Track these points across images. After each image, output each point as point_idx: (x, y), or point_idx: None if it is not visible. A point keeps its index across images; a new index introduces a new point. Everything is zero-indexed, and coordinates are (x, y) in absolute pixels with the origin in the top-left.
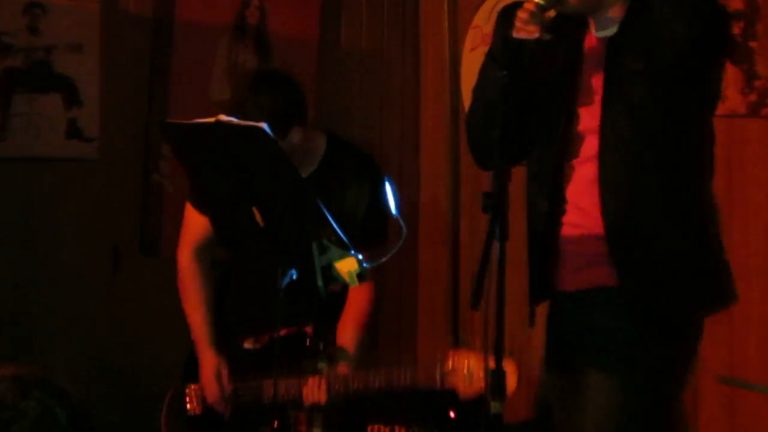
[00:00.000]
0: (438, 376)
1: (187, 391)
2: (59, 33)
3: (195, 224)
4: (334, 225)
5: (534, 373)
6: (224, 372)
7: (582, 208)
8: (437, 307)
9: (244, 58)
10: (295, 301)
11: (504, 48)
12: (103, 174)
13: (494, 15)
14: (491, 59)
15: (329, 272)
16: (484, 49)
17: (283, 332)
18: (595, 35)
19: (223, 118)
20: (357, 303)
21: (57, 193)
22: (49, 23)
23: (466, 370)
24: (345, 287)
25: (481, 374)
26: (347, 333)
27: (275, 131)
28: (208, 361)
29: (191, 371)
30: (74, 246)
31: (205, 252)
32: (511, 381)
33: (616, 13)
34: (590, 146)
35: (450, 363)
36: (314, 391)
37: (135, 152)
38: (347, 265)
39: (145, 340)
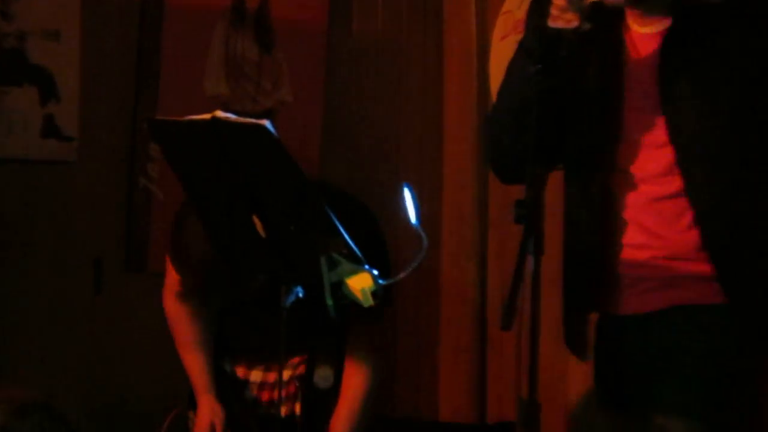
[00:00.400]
0: None
1: (190, 414)
2: (34, 18)
3: (175, 276)
4: (346, 236)
5: (570, 408)
6: (219, 421)
7: (647, 227)
8: (462, 329)
9: (243, 48)
10: (298, 324)
11: (538, 39)
12: (84, 178)
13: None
14: (523, 52)
15: (340, 290)
16: (516, 38)
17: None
18: (639, 31)
19: (220, 114)
20: (351, 389)
21: (31, 200)
22: (22, 7)
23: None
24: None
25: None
26: (339, 425)
27: None
28: (204, 408)
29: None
30: (51, 260)
31: (192, 292)
32: None
33: (665, 5)
34: (652, 159)
35: None
36: None
37: (119, 153)
38: (360, 282)
39: (131, 362)
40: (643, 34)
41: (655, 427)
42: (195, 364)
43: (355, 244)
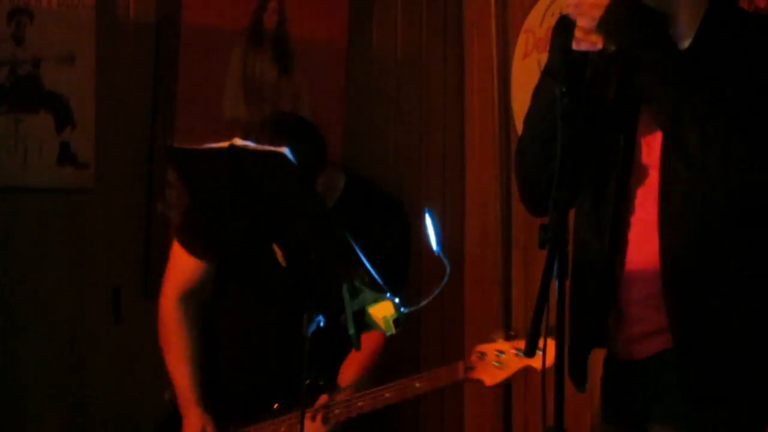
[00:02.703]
0: (462, 370)
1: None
2: (49, 43)
3: (184, 265)
4: (367, 264)
5: None
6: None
7: (647, 258)
8: None
9: (262, 68)
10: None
11: (563, 62)
12: (101, 205)
13: (548, 17)
14: (548, 76)
15: (362, 318)
16: (537, 57)
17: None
18: None
19: (238, 141)
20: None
21: (48, 228)
22: (36, 32)
23: (495, 356)
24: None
25: (510, 358)
26: (349, 372)
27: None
28: (193, 420)
29: (172, 428)
30: (69, 289)
31: (194, 296)
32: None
33: (690, 20)
34: (650, 184)
35: (475, 354)
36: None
37: (136, 179)
38: (383, 310)
39: (152, 393)
40: None
41: None
42: (184, 376)
43: (379, 230)
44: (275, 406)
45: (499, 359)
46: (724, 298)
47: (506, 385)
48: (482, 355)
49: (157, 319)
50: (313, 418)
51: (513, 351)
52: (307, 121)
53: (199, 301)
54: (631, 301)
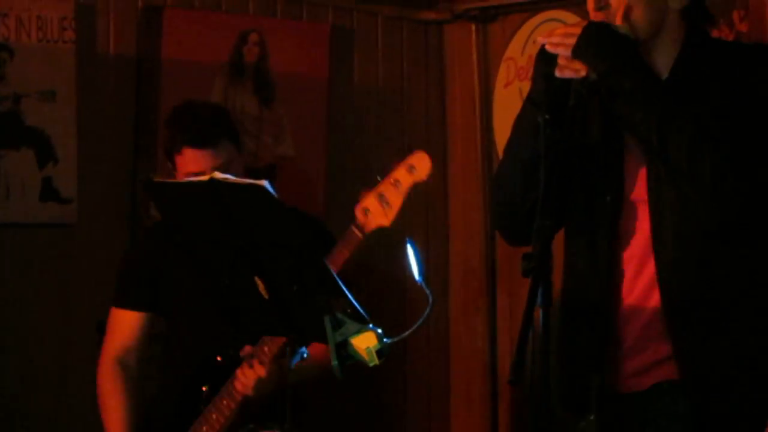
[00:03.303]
0: (357, 231)
1: None
2: (29, 79)
3: (120, 324)
4: (350, 295)
5: None
6: None
7: (641, 291)
8: (473, 385)
9: (243, 102)
10: None
11: (546, 90)
12: (84, 240)
13: (530, 45)
14: (531, 104)
15: (345, 349)
16: (519, 85)
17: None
18: None
19: (218, 175)
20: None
21: (31, 264)
22: (16, 68)
23: (378, 200)
24: None
25: (390, 190)
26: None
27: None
28: None
29: None
30: (53, 326)
31: (134, 354)
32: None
33: (667, 52)
34: (641, 219)
35: (360, 213)
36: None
37: (119, 214)
38: (366, 341)
39: None
40: None
41: None
42: None
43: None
44: (204, 389)
45: (383, 201)
46: (728, 322)
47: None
48: (366, 210)
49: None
50: (250, 365)
51: (389, 183)
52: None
53: (139, 358)
54: (629, 335)
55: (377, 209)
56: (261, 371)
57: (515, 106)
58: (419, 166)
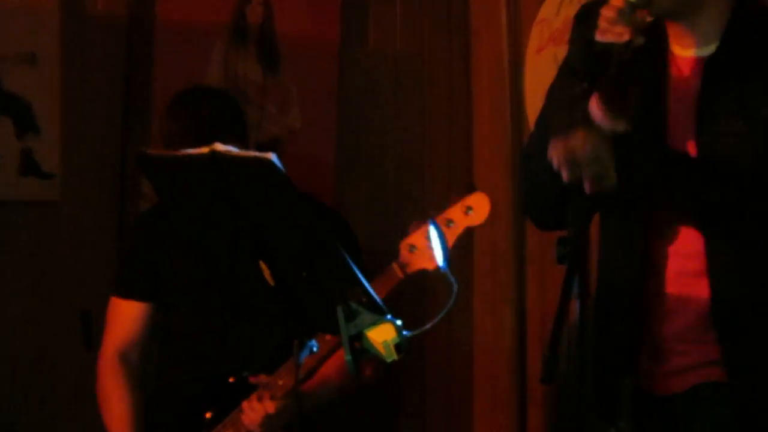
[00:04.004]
0: (398, 270)
1: None
2: (7, 40)
3: (123, 317)
4: (366, 283)
5: None
6: None
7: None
8: (499, 383)
9: (245, 69)
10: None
11: (585, 55)
12: (68, 219)
13: (566, 6)
14: (567, 71)
15: (360, 343)
16: (553, 51)
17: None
18: (681, 54)
19: (220, 147)
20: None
21: (9, 245)
22: None
23: (426, 240)
24: None
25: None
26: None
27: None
28: None
29: None
30: (34, 312)
31: (136, 349)
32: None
33: (714, 23)
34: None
35: (405, 250)
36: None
37: (107, 191)
38: (382, 334)
39: None
40: (686, 57)
41: None
42: None
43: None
44: (207, 416)
45: (431, 241)
46: None
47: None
48: (412, 247)
49: (96, 380)
50: (259, 399)
51: (442, 221)
52: (211, 88)
53: (141, 352)
54: (669, 335)
55: (424, 250)
56: (270, 408)
57: (549, 74)
58: (478, 208)
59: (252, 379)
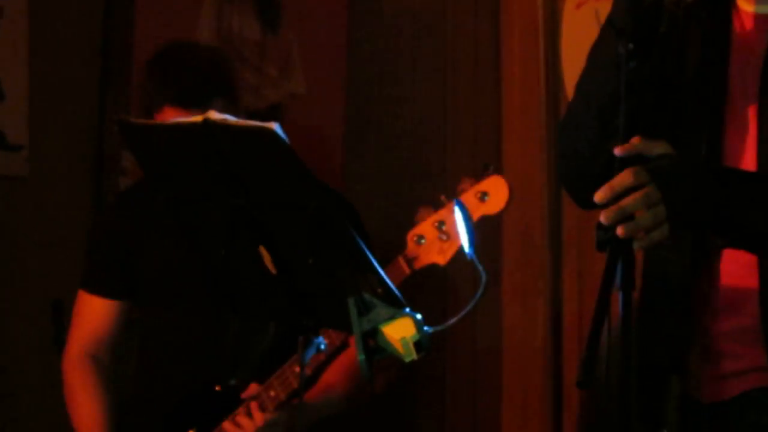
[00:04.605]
0: (404, 264)
1: None
2: None
3: (91, 314)
4: (381, 271)
5: None
6: None
7: (740, 284)
8: (530, 384)
9: (241, 25)
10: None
11: (631, 12)
12: (37, 197)
13: None
14: (611, 30)
15: (375, 340)
16: (595, 6)
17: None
18: (748, 10)
19: (214, 115)
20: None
21: None
22: None
23: (435, 231)
24: None
25: (454, 225)
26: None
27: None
28: None
29: None
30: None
31: (105, 346)
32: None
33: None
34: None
35: (411, 242)
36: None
37: (81, 165)
38: (401, 330)
39: None
40: (754, 14)
41: None
42: None
43: None
44: None
45: (442, 231)
46: None
47: (554, 420)
48: (420, 238)
49: (63, 381)
50: (248, 413)
51: (452, 216)
52: (196, 43)
53: (112, 352)
54: (721, 336)
55: (433, 241)
56: (259, 420)
57: (590, 33)
58: (494, 194)
59: (243, 395)
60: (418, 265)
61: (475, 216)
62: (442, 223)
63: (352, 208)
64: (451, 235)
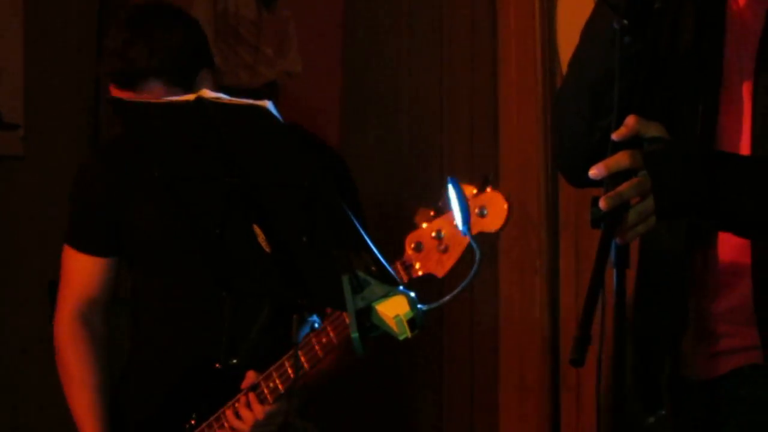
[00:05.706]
0: (401, 272)
1: None
2: None
3: (79, 272)
4: (375, 249)
5: None
6: None
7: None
8: (527, 362)
9: (237, 3)
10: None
11: None
12: (33, 176)
13: None
14: (605, 5)
15: (368, 318)
16: None
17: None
18: None
19: (207, 94)
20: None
21: None
22: None
23: (434, 240)
24: None
25: (454, 234)
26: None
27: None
28: None
29: None
30: None
31: (96, 307)
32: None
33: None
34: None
35: (409, 249)
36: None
37: (78, 143)
38: (394, 308)
39: None
40: None
41: None
42: (88, 408)
43: None
44: (192, 422)
45: (441, 242)
46: None
47: (552, 398)
48: (418, 246)
49: (54, 344)
50: (249, 406)
51: (453, 224)
52: (175, 8)
53: (103, 311)
54: (718, 314)
55: (432, 252)
56: (259, 413)
57: (586, 10)
58: (492, 212)
59: (242, 386)
60: (415, 274)
61: (473, 231)
62: (440, 233)
63: (348, 172)
64: (449, 248)
